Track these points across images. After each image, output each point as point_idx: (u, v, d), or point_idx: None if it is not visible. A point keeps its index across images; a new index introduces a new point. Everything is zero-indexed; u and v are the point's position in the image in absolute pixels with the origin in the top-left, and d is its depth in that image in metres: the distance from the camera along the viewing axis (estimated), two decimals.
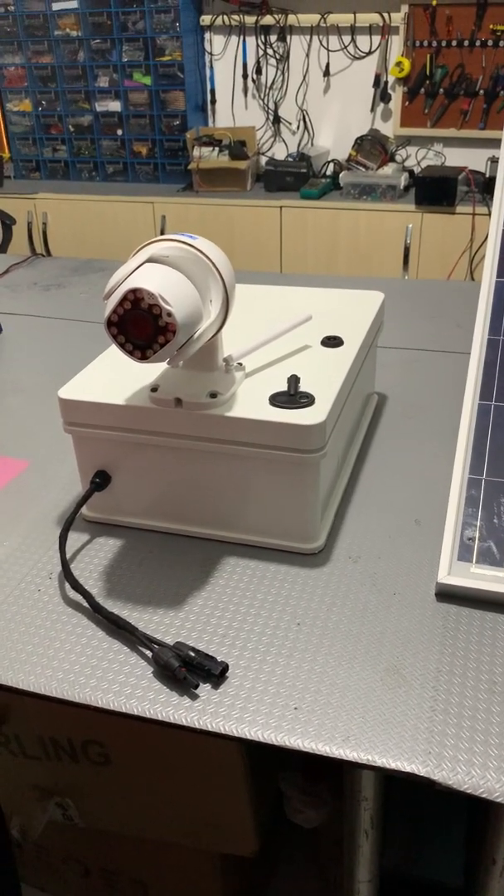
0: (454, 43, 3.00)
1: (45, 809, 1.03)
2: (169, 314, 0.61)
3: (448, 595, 0.69)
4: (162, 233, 3.29)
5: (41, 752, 0.97)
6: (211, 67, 3.41)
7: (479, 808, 0.80)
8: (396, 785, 0.73)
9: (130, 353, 0.64)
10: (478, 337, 0.88)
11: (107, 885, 1.16)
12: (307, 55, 3.25)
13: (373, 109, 3.29)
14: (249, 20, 3.23)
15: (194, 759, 0.91)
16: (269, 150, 3.50)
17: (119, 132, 3.50)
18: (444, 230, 2.95)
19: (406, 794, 1.00)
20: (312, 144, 3.43)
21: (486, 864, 0.69)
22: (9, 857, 0.98)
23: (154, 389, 0.72)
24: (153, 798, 0.97)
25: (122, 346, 0.64)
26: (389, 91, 3.20)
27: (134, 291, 0.61)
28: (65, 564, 0.71)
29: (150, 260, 0.64)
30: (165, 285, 0.62)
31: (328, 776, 1.01)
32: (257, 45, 3.29)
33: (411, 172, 3.16)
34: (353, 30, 3.15)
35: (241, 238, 3.21)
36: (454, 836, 0.98)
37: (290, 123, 3.43)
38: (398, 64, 3.09)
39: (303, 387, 0.73)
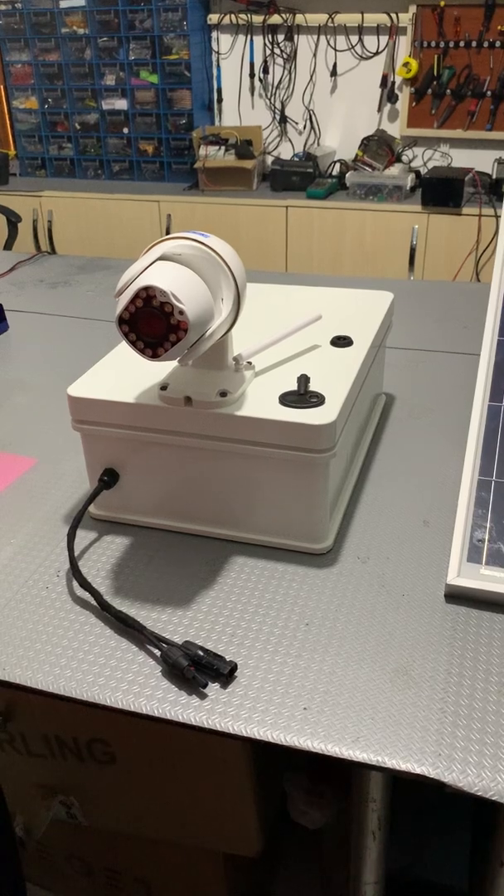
0: (462, 44, 2.99)
1: (50, 808, 1.03)
2: (181, 312, 0.61)
3: (457, 596, 0.68)
4: (167, 232, 3.29)
5: (46, 750, 0.97)
6: (218, 66, 3.41)
7: (484, 810, 0.80)
8: (401, 786, 0.72)
9: (141, 352, 0.64)
10: (488, 338, 0.88)
11: (110, 884, 1.16)
12: (314, 55, 3.25)
13: (380, 110, 3.29)
14: (257, 19, 3.23)
15: (199, 759, 0.91)
16: (275, 149, 3.50)
17: (125, 130, 3.49)
18: (450, 231, 2.95)
19: (411, 795, 1.00)
20: (319, 144, 3.42)
21: (493, 867, 0.69)
22: (13, 856, 0.97)
23: (164, 388, 0.71)
24: (157, 797, 0.97)
25: (133, 343, 0.64)
26: (396, 91, 3.20)
27: (146, 289, 0.61)
28: (73, 562, 0.71)
29: (161, 258, 0.64)
30: (177, 283, 0.61)
31: (333, 777, 1.01)
32: (264, 45, 3.29)
33: (418, 173, 3.15)
34: (360, 30, 3.14)
35: (247, 237, 3.20)
36: (459, 839, 0.98)
37: (296, 123, 3.43)
38: (405, 64, 3.08)
39: (312, 386, 0.72)
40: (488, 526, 0.71)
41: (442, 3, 2.95)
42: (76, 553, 0.76)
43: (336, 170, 3.30)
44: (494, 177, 3.00)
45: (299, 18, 3.17)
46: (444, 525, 0.78)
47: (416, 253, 3.01)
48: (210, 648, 0.64)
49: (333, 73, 3.27)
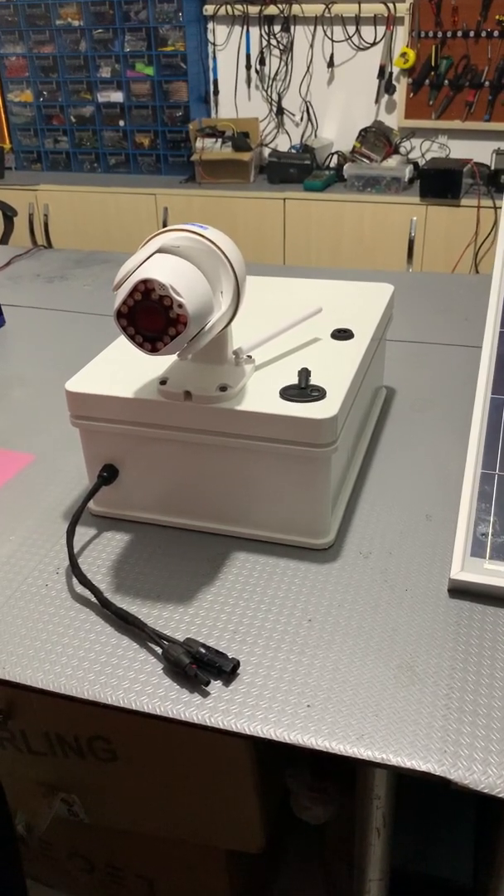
0: (460, 34, 2.97)
1: (51, 805, 1.02)
2: (180, 305, 0.60)
3: (461, 591, 0.68)
4: (164, 225, 3.28)
5: (47, 748, 0.96)
6: (214, 58, 3.38)
7: (489, 806, 0.79)
8: (406, 782, 0.72)
9: (140, 346, 0.63)
10: (489, 330, 0.87)
11: (112, 880, 1.16)
12: (311, 46, 3.23)
13: (377, 101, 3.27)
14: (253, 10, 3.21)
15: (201, 756, 0.90)
16: (272, 141, 3.48)
17: (121, 123, 3.47)
18: (448, 223, 2.94)
19: (415, 791, 0.99)
20: (316, 136, 3.41)
21: (498, 862, 0.68)
22: (14, 853, 0.97)
23: (163, 382, 0.71)
24: (159, 794, 0.96)
25: (131, 338, 0.63)
26: (394, 82, 3.18)
27: (144, 282, 0.60)
28: (72, 559, 0.70)
29: (160, 250, 0.63)
30: (176, 276, 0.60)
31: (335, 773, 1.01)
32: (261, 36, 3.27)
33: (416, 165, 3.14)
34: (357, 20, 3.12)
35: (245, 230, 3.19)
36: (463, 834, 0.97)
37: (293, 115, 3.41)
38: (403, 55, 3.06)
39: (313, 380, 0.72)
40: (491, 520, 0.70)
41: None
42: (76, 550, 0.75)
43: (334, 162, 3.29)
44: (493, 168, 2.99)
45: (295, 9, 3.15)
46: (447, 519, 0.77)
47: (415, 245, 3.00)
48: (212, 646, 0.63)
49: (330, 64, 3.25)
